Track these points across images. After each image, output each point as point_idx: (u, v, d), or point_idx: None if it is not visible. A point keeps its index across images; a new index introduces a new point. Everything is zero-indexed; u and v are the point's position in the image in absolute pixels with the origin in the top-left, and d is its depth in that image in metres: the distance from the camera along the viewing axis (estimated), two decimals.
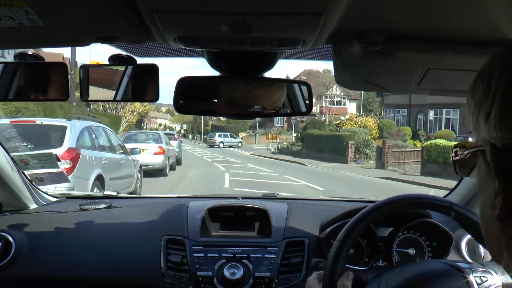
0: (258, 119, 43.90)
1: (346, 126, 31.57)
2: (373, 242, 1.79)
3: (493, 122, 0.53)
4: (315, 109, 45.26)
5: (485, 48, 1.05)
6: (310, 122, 37.23)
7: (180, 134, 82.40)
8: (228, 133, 47.64)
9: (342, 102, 48.43)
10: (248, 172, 18.59)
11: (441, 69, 1.22)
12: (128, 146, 13.13)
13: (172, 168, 17.61)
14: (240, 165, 22.29)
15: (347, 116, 41.52)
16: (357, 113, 35.22)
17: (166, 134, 21.31)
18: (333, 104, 45.59)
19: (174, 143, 20.08)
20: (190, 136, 74.49)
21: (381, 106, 38.33)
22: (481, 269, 1.14)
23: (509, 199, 0.54)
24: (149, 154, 15.03)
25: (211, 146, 43.20)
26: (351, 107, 48.60)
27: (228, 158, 27.41)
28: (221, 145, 43.64)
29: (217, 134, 46.29)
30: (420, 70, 1.21)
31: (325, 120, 41.65)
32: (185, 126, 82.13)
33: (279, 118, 46.03)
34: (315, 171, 20.82)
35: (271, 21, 0.95)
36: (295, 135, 37.94)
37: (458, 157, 0.67)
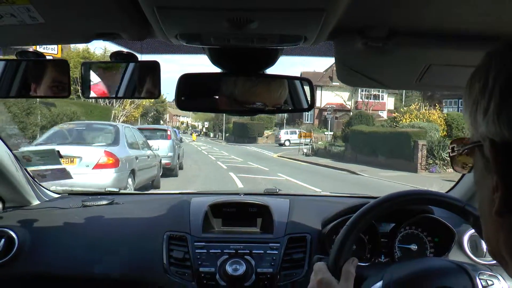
0: (285, 115, 41.19)
1: (404, 120, 23.97)
2: (375, 238, 1.79)
3: (492, 117, 0.54)
4: (350, 104, 41.35)
5: (487, 43, 1.05)
6: (356, 117, 28.95)
7: (202, 133, 77.99)
8: (297, 130, 39.38)
9: (380, 96, 43.19)
10: None
11: (443, 65, 1.22)
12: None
13: (153, 186, 11.21)
14: (267, 177, 14.68)
15: (385, 112, 38.48)
16: (417, 106, 26.92)
17: (154, 129, 14.77)
18: (370, 98, 40.49)
19: (162, 144, 12.82)
20: (211, 135, 70.64)
21: (423, 100, 34.45)
22: (488, 272, 1.13)
23: (507, 194, 0.54)
24: (84, 168, 7.85)
25: (280, 145, 38.16)
26: (389, 101, 44.28)
27: (250, 163, 19.95)
28: (287, 143, 38.37)
29: (282, 131, 41.48)
30: (421, 66, 1.21)
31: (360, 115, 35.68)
32: (206, 124, 78.10)
33: (309, 113, 42.85)
34: (385, 187, 13.14)
35: (272, 18, 0.95)
36: (330, 133, 31.02)
37: (455, 153, 0.67)
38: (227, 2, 0.87)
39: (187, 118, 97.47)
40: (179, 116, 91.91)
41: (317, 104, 44.72)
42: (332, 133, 31.37)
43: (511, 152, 0.53)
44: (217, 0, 0.86)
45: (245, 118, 48.53)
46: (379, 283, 1.13)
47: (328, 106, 34.90)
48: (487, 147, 0.56)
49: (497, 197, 0.55)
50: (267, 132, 49.12)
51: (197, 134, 74.58)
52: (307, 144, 28.87)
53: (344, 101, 40.71)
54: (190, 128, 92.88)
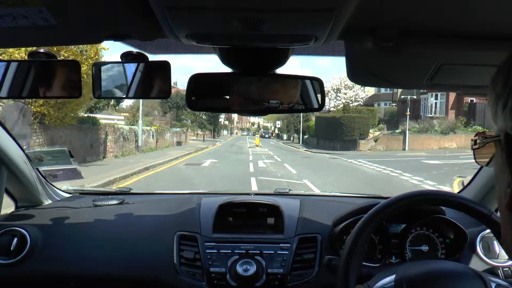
0: (408, 109, 29.79)
1: None
2: (385, 239, 1.79)
3: (509, 112, 0.53)
4: None
5: (499, 42, 1.04)
6: None
7: (274, 134, 68.23)
8: None
9: None
10: None
11: (454, 65, 1.20)
12: None
13: None
14: None
15: None
16: None
17: None
18: None
19: None
20: (284, 136, 59.35)
21: None
22: (505, 284, 1.10)
23: None
24: None
25: None
26: None
27: None
28: None
29: None
30: (432, 66, 1.20)
31: None
32: (278, 124, 67.60)
33: (437, 101, 32.57)
34: None
35: (283, 18, 0.95)
36: None
37: (477, 146, 0.68)
38: (238, 2, 0.87)
39: (259, 118, 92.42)
40: (249, 116, 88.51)
41: None
42: None
43: None
44: (228, 1, 0.86)
45: (337, 111, 36.77)
46: (392, 277, 1.12)
47: None
48: (503, 141, 0.56)
49: (508, 191, 0.55)
50: (373, 132, 31.65)
51: (267, 136, 64.81)
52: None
53: None
54: (262, 129, 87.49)
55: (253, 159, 21.57)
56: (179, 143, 32.64)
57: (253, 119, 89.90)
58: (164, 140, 29.76)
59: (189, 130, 43.70)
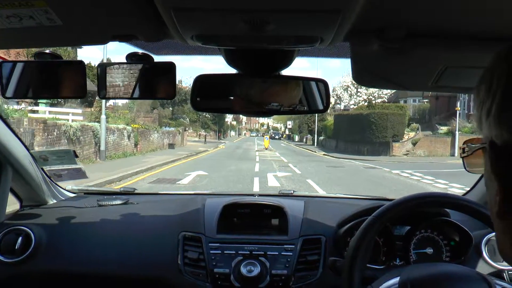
0: (458, 103, 25.63)
1: None
2: (390, 241, 1.78)
3: (493, 119, 0.53)
4: None
5: (506, 44, 1.03)
6: None
7: (284, 135, 64.63)
8: None
9: None
10: None
11: (460, 67, 1.20)
12: None
13: None
14: None
15: None
16: None
17: None
18: None
19: None
20: (296, 138, 54.73)
21: None
22: (509, 286, 1.09)
23: (506, 198, 0.53)
24: None
25: None
26: None
27: None
28: None
29: None
30: (438, 68, 1.19)
31: None
32: (290, 124, 63.03)
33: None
34: None
35: (288, 19, 0.95)
36: None
37: (466, 154, 0.69)
38: (244, 3, 0.87)
39: (268, 119, 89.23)
40: (253, 117, 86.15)
41: None
42: None
43: (510, 155, 0.52)
44: (234, 2, 0.86)
45: (359, 108, 32.52)
46: (396, 279, 1.12)
47: None
48: (488, 148, 0.56)
49: (497, 200, 0.55)
50: (408, 133, 26.63)
51: (277, 137, 61.39)
52: None
53: None
54: (271, 130, 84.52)
55: (261, 169, 15.94)
56: (171, 146, 28.13)
57: (262, 119, 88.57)
58: (149, 142, 24.44)
59: (190, 130, 40.42)
